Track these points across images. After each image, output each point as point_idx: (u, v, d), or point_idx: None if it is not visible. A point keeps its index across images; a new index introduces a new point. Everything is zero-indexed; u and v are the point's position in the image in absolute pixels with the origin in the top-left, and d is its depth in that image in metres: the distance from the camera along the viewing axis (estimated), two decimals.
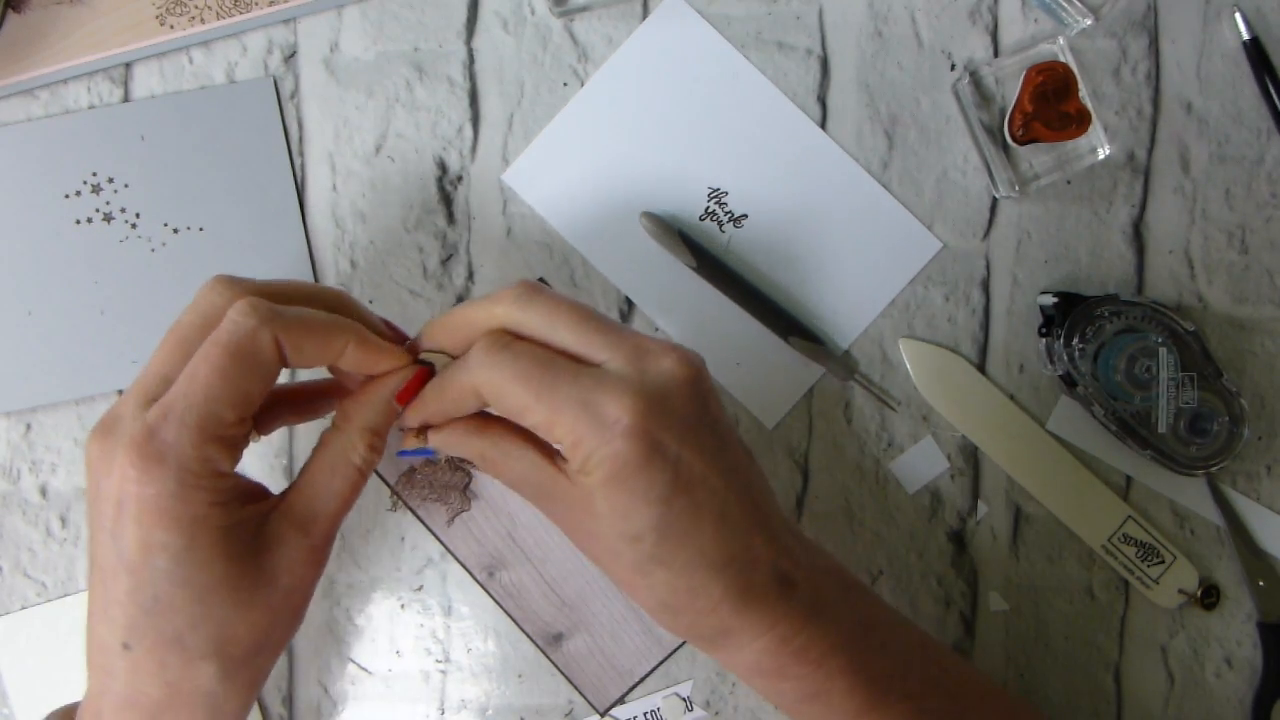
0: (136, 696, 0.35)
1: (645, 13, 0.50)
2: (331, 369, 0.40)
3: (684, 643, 0.50)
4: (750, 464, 0.38)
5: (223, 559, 0.35)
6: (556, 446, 0.37)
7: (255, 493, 0.38)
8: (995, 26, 0.51)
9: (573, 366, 0.36)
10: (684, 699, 0.50)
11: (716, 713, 0.50)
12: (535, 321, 0.37)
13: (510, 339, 0.36)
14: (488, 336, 0.37)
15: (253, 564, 0.35)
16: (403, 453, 0.41)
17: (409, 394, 0.39)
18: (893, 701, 0.39)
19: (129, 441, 0.33)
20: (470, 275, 0.50)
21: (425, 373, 0.39)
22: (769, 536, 0.37)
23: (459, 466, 0.50)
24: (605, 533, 0.36)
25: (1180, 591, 0.50)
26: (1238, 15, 0.50)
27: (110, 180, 0.49)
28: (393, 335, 0.41)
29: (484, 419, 0.39)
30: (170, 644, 0.35)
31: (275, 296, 0.36)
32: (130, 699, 0.36)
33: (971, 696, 0.42)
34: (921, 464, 0.51)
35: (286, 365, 0.36)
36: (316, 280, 0.50)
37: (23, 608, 0.49)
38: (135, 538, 0.34)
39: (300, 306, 0.36)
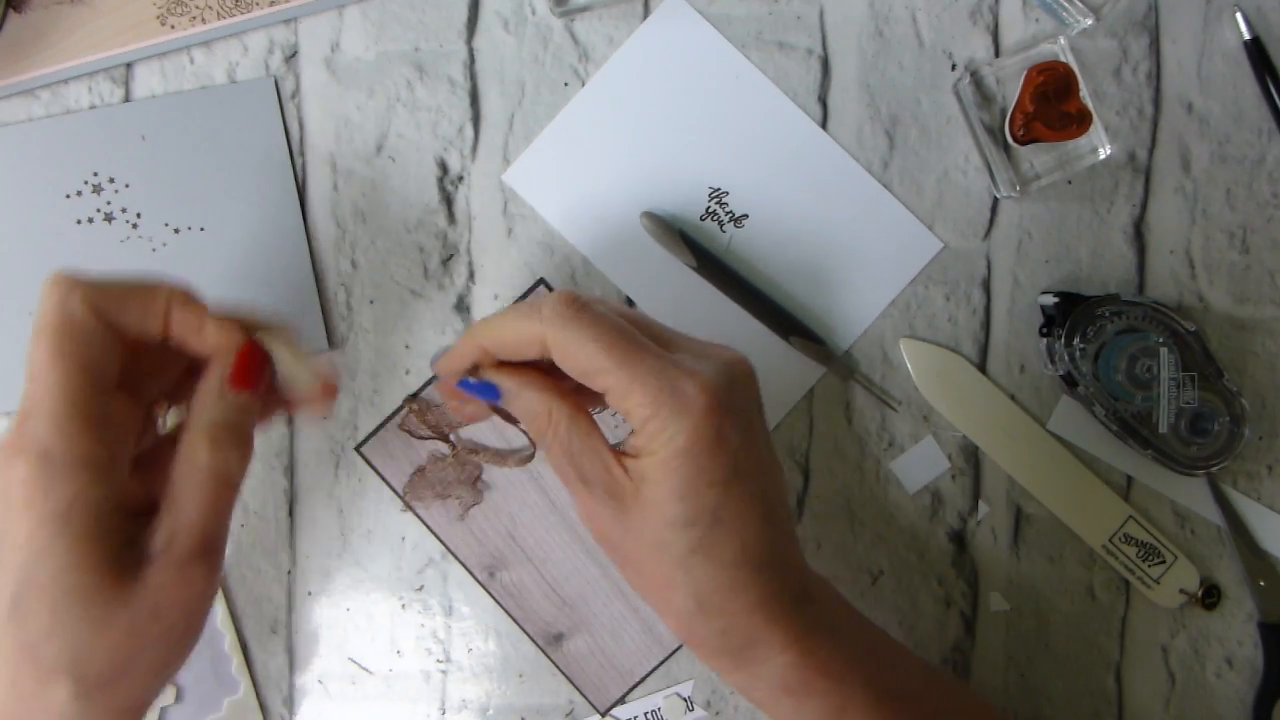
0: None
1: (646, 13, 0.50)
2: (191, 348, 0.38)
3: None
4: (781, 472, 0.39)
5: (84, 567, 0.33)
6: (623, 417, 0.36)
7: (144, 504, 0.35)
8: (996, 26, 0.51)
9: (647, 342, 0.36)
10: (685, 699, 0.50)
11: (717, 713, 0.50)
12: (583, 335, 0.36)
13: (585, 302, 0.36)
14: (561, 297, 0.36)
15: (117, 578, 0.33)
16: (465, 384, 0.39)
17: (243, 377, 0.36)
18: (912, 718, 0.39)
19: (3, 443, 0.34)
20: (471, 275, 0.50)
21: (254, 350, 0.37)
22: (794, 543, 0.37)
23: (466, 461, 0.50)
24: (651, 523, 0.35)
25: (1181, 591, 0.50)
26: (1238, 15, 0.50)
27: (111, 180, 0.49)
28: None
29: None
30: (25, 654, 0.33)
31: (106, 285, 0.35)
32: None
33: (979, 718, 0.42)
34: (922, 464, 0.51)
35: (125, 333, 0.35)
36: (318, 280, 0.50)
37: None
38: (7, 533, 0.33)
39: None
